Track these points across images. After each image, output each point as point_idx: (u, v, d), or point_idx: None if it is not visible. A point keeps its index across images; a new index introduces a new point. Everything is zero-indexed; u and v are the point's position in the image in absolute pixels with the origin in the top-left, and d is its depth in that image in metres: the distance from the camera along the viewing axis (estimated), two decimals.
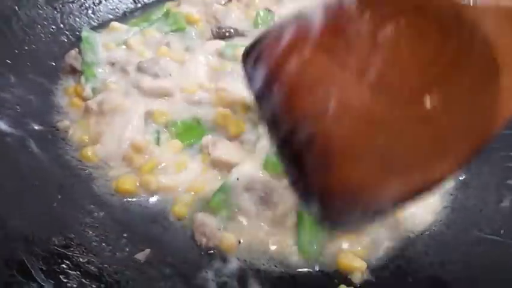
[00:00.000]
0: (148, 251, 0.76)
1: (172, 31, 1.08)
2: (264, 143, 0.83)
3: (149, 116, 0.91)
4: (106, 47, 1.02)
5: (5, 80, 0.92)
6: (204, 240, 0.78)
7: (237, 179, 0.80)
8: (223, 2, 1.19)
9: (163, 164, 0.87)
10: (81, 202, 0.82)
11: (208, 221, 0.79)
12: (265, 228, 0.80)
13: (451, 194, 0.86)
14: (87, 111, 0.93)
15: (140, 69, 0.95)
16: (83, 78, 0.95)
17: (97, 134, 0.89)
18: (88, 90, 0.93)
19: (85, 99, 0.96)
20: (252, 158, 0.84)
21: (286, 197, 0.78)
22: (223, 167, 0.86)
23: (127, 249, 0.76)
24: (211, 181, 0.85)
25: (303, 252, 0.76)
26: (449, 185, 0.86)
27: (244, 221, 0.80)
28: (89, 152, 0.87)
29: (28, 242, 0.70)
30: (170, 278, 0.73)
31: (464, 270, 0.73)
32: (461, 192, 0.86)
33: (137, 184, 0.84)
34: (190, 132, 0.91)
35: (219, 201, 0.80)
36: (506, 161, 0.86)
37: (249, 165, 0.82)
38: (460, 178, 0.87)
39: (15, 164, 0.82)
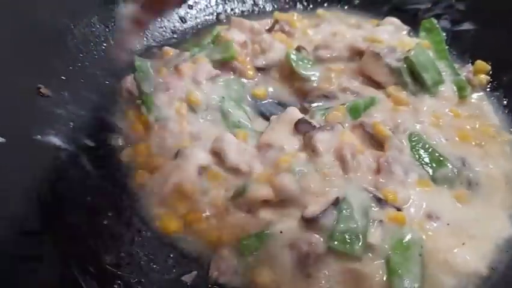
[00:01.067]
0: (194, 273, 0.77)
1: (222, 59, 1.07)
2: None
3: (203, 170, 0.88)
4: (158, 72, 1.03)
5: (59, 96, 0.95)
6: (215, 274, 0.77)
7: (280, 232, 0.78)
8: (266, 27, 1.20)
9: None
10: (130, 221, 0.83)
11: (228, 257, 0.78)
12: None
13: None
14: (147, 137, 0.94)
15: None
16: (143, 108, 0.96)
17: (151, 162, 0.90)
18: (151, 120, 0.94)
19: (145, 125, 0.96)
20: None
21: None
22: None
23: (174, 271, 0.78)
24: None
25: None
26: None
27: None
28: (139, 177, 0.89)
29: (81, 260, 0.72)
30: None
31: None
32: None
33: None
34: None
35: (250, 246, 0.78)
36: None
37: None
38: None
39: (67, 180, 0.84)
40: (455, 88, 1.05)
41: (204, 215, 0.82)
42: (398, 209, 0.79)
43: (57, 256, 0.70)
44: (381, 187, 0.82)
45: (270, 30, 1.19)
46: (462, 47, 1.21)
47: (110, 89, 1.06)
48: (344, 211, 0.79)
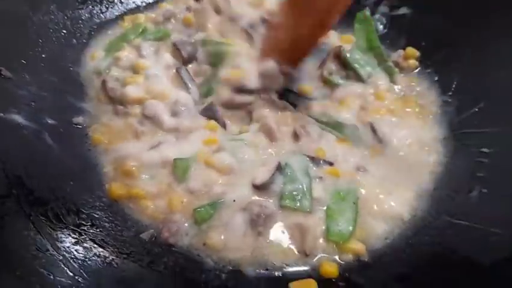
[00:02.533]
0: (151, 231, 0.85)
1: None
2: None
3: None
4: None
5: (20, 78, 1.00)
6: (165, 235, 0.84)
7: (234, 200, 0.87)
8: None
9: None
10: (91, 188, 0.90)
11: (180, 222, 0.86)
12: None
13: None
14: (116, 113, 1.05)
15: None
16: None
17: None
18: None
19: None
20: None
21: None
22: None
23: (133, 229, 0.85)
24: None
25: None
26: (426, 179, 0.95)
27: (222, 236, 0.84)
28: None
29: (44, 220, 0.78)
30: (172, 254, 0.81)
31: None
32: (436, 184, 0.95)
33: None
34: None
35: (205, 216, 0.85)
36: (476, 157, 0.95)
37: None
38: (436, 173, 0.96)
39: (31, 153, 0.90)
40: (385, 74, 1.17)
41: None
42: (331, 164, 0.90)
43: (21, 216, 0.75)
44: (307, 149, 0.95)
45: None
46: (400, 30, 1.31)
47: (70, 72, 1.12)
48: (289, 174, 0.89)
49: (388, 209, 0.88)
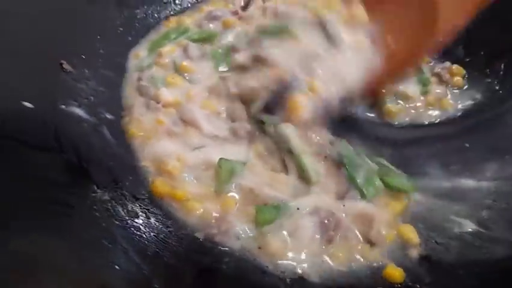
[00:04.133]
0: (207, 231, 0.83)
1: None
2: None
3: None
4: None
5: (80, 73, 1.01)
6: (213, 232, 0.81)
7: (297, 208, 0.84)
8: None
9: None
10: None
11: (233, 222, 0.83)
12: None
13: None
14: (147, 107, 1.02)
15: None
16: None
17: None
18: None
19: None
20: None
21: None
22: None
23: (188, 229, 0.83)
24: None
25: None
26: None
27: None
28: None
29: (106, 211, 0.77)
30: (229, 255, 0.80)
31: None
32: None
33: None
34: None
35: (268, 217, 0.82)
36: None
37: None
38: None
39: (90, 145, 0.90)
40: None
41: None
42: None
43: (86, 206, 0.75)
44: None
45: None
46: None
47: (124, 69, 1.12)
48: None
49: None
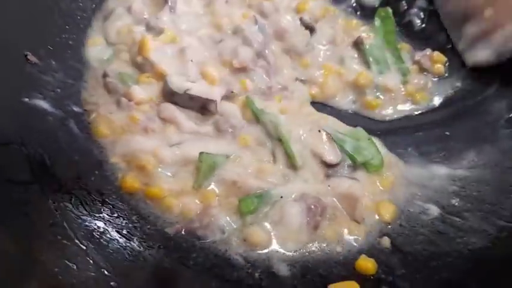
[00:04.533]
0: (178, 226, 0.80)
1: None
2: None
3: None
4: None
5: (47, 64, 0.97)
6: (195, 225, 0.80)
7: (281, 197, 0.84)
8: None
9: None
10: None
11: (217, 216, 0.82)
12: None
13: None
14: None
15: None
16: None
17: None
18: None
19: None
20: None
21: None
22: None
23: (158, 224, 0.81)
24: None
25: None
26: None
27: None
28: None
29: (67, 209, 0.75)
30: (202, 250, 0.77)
31: None
32: None
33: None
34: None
35: (251, 206, 0.82)
36: None
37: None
38: None
39: (55, 140, 0.87)
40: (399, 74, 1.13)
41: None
42: None
43: (45, 203, 0.72)
44: None
45: None
46: (440, 26, 1.25)
47: None
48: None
49: None
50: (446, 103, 1.10)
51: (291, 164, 0.90)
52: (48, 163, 0.80)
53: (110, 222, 0.76)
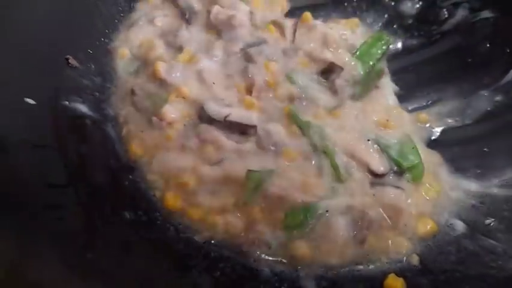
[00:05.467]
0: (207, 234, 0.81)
1: None
2: None
3: None
4: None
5: (86, 68, 1.00)
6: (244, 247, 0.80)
7: (327, 211, 0.83)
8: None
9: None
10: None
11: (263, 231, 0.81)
12: None
13: None
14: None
15: None
16: None
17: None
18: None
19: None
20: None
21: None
22: None
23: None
24: None
25: None
26: None
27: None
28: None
29: (102, 213, 0.77)
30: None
31: None
32: None
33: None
34: None
35: (298, 222, 0.81)
36: None
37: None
38: None
39: (92, 143, 0.89)
40: None
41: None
42: None
43: (80, 208, 0.74)
44: None
45: None
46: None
47: None
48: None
49: None
50: (486, 117, 1.06)
51: (337, 176, 0.88)
52: (83, 166, 0.82)
53: (142, 231, 0.78)
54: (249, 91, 0.98)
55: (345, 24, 1.22)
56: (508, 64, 1.09)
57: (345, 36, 1.15)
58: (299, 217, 0.81)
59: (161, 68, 0.99)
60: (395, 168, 0.92)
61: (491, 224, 0.84)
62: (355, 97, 1.03)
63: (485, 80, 1.10)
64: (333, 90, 1.03)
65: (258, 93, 0.98)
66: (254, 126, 0.92)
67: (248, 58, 1.03)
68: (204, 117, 0.93)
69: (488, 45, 1.15)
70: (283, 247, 0.80)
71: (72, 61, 0.98)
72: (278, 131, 0.92)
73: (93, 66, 1.02)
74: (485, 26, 1.17)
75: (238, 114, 0.94)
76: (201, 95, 0.97)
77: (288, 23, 1.13)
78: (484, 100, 1.08)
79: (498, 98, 1.07)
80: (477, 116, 1.06)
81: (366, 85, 1.06)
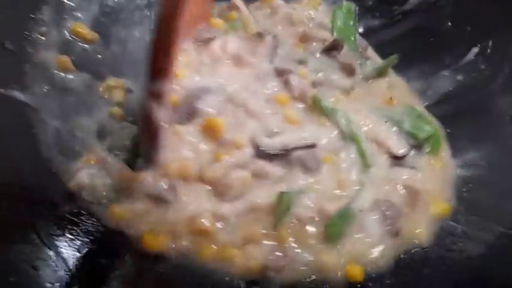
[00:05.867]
0: None
1: None
2: None
3: None
4: None
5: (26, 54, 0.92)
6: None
7: (360, 210, 0.79)
8: None
9: None
10: None
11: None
12: None
13: None
14: None
15: None
16: None
17: None
18: None
19: None
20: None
21: None
22: None
23: None
24: None
25: None
26: None
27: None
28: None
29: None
30: None
31: None
32: None
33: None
34: None
35: (340, 231, 0.77)
36: None
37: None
38: None
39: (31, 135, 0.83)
40: None
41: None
42: None
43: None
44: None
45: None
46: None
47: None
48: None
49: None
50: (447, 98, 1.05)
51: (364, 164, 0.85)
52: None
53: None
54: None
55: (307, 4, 1.18)
56: (469, 43, 1.07)
57: (309, 16, 1.12)
58: (340, 226, 0.77)
59: None
60: (413, 146, 0.90)
61: (452, 206, 0.83)
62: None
63: (447, 60, 1.09)
64: (348, 70, 0.99)
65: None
66: (315, 144, 0.83)
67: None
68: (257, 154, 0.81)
69: (449, 23, 1.12)
70: (312, 262, 0.75)
71: (9, 45, 0.91)
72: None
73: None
74: (447, 5, 1.15)
75: (293, 138, 0.83)
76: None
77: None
78: (445, 80, 1.06)
79: (459, 77, 1.05)
80: (438, 97, 1.05)
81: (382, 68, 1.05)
